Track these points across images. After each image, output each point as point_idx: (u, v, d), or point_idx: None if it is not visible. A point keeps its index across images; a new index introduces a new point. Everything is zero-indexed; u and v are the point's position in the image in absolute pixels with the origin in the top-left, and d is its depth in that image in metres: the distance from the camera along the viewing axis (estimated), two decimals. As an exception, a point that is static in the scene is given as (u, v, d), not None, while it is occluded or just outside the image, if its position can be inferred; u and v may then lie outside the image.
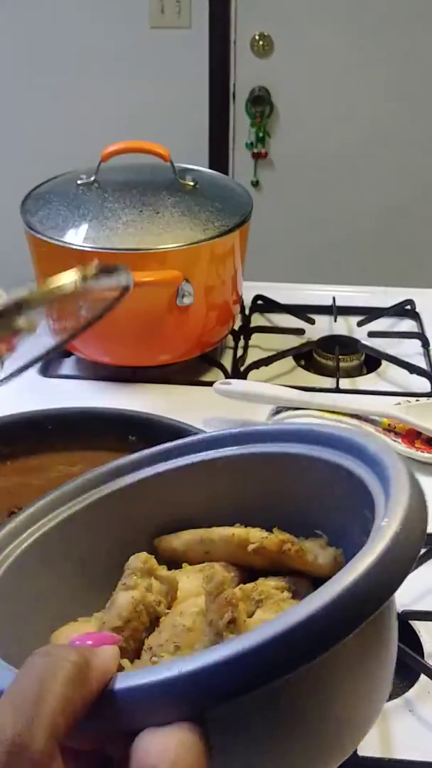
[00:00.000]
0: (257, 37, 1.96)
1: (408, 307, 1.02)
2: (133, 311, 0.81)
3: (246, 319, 1.00)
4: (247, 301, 1.02)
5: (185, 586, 0.43)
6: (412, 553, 0.32)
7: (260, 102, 2.00)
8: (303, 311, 1.00)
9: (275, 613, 0.40)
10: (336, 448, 0.43)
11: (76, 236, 0.83)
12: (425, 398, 0.83)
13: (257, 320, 1.02)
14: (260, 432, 0.47)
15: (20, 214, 0.87)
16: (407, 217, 2.08)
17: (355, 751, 0.49)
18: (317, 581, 0.44)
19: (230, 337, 0.96)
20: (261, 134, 2.04)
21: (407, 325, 1.01)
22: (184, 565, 0.46)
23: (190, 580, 0.44)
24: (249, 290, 1.02)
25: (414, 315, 1.02)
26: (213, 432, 0.48)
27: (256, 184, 2.09)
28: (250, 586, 0.43)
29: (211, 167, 1.01)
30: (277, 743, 0.31)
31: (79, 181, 0.90)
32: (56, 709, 0.26)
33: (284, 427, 0.47)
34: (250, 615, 0.40)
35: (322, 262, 2.03)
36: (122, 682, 0.28)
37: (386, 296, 1.04)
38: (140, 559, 0.42)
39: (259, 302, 1.03)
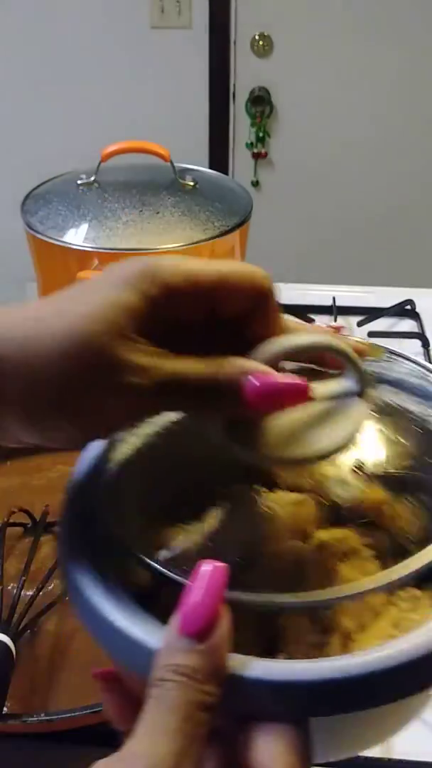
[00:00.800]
0: (257, 37, 1.96)
1: (408, 307, 1.02)
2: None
3: (246, 319, 1.00)
4: (247, 301, 1.02)
5: (278, 515, 0.42)
6: None
7: (260, 102, 2.01)
8: (303, 311, 1.00)
9: (358, 573, 0.41)
10: None
11: (76, 236, 0.83)
12: (425, 398, 0.83)
13: (257, 320, 1.02)
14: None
15: (20, 214, 0.87)
16: (407, 217, 2.08)
17: (355, 750, 0.49)
18: (395, 537, 0.44)
19: (230, 337, 0.96)
20: (261, 134, 2.04)
21: (407, 325, 1.01)
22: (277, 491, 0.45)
23: (284, 512, 0.43)
24: (249, 290, 1.01)
25: (414, 315, 1.02)
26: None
27: (256, 184, 2.09)
28: (339, 534, 0.42)
29: (211, 167, 1.02)
30: (359, 733, 0.34)
31: (79, 181, 0.90)
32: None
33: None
34: (333, 567, 0.40)
35: (322, 262, 2.03)
36: (248, 671, 0.28)
37: (386, 296, 1.04)
38: None
39: (259, 302, 1.03)
